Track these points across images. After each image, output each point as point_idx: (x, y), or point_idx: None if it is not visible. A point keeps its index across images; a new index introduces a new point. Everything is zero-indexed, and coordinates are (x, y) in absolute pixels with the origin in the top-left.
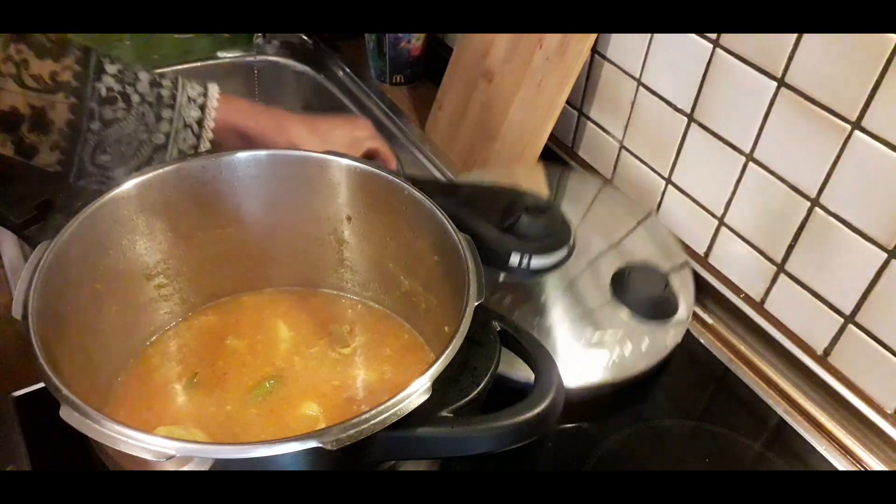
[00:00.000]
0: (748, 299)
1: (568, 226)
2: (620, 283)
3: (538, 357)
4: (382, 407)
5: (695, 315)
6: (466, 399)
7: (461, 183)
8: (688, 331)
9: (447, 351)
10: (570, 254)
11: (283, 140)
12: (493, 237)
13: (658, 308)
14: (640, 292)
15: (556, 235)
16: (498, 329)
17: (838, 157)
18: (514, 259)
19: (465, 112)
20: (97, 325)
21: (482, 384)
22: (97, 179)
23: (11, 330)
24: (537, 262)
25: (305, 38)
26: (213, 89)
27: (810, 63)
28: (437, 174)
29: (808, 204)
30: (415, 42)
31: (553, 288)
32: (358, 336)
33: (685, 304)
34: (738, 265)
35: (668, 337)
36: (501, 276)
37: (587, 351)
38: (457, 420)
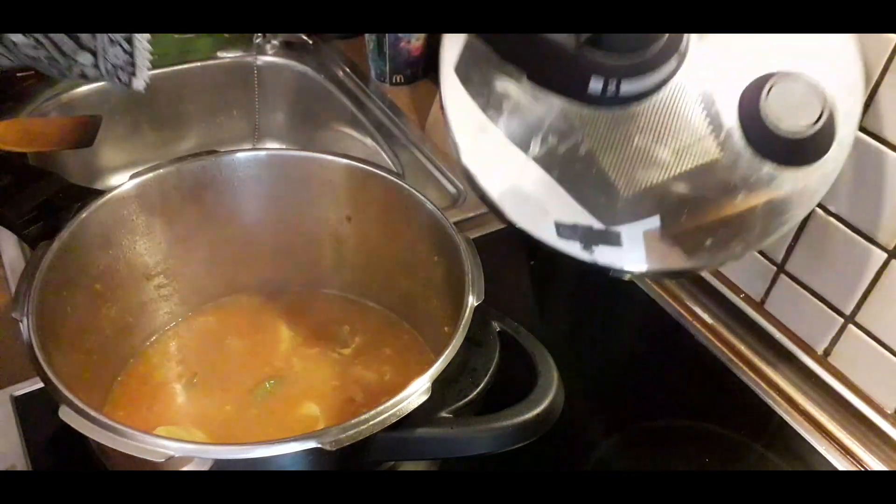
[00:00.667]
0: (748, 299)
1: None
2: (752, 112)
3: (537, 357)
4: (382, 407)
5: (695, 315)
6: (466, 400)
7: None
8: (688, 331)
9: (447, 351)
10: (677, 67)
11: None
12: (564, 55)
13: (805, 148)
14: (781, 125)
15: (655, 45)
16: (497, 329)
17: None
18: (596, 84)
19: None
20: (97, 325)
21: (482, 385)
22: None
23: (11, 330)
24: (630, 85)
25: (305, 38)
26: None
27: None
28: (438, 174)
29: None
30: (415, 42)
31: (650, 124)
32: (358, 336)
33: (846, 131)
34: (738, 265)
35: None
36: (578, 112)
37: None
38: (456, 421)
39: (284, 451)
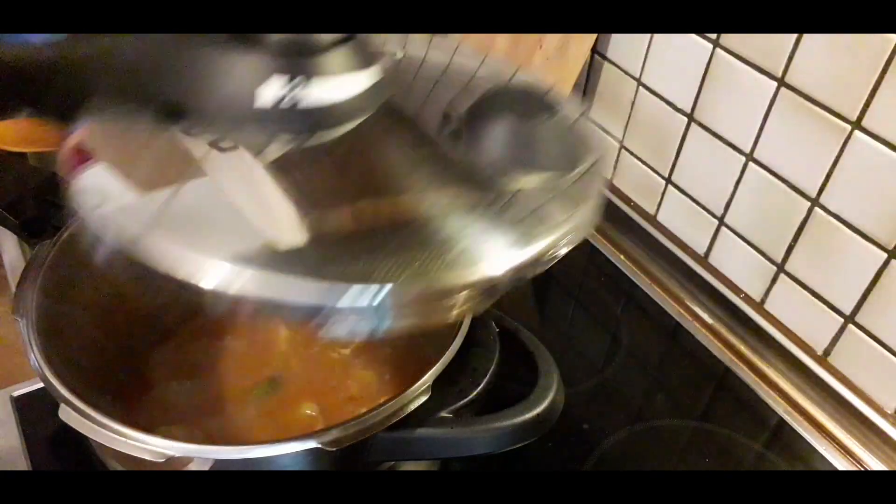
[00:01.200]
0: (748, 299)
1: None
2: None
3: (538, 357)
4: (382, 408)
5: (695, 315)
6: (466, 400)
7: None
8: (688, 331)
9: (447, 352)
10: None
11: None
12: (230, 59)
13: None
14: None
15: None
16: (497, 329)
17: (838, 157)
18: (270, 91)
19: None
20: (96, 325)
21: (482, 385)
22: None
23: (12, 329)
24: (319, 91)
25: None
26: None
27: (810, 63)
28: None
29: (808, 204)
30: None
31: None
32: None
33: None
34: (738, 265)
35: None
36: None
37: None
38: (456, 421)
39: (284, 451)
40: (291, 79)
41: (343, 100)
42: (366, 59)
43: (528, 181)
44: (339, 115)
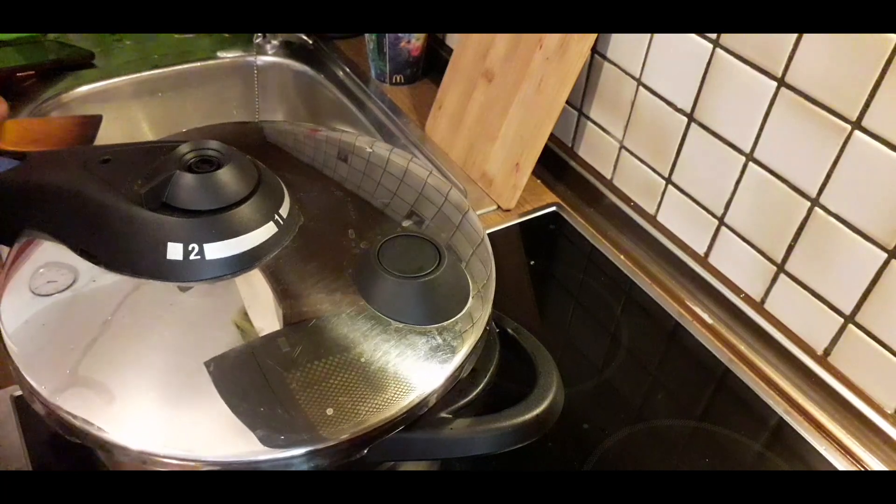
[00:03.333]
0: (748, 299)
1: (276, 185)
2: (373, 271)
3: (538, 358)
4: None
5: (695, 315)
6: (466, 400)
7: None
8: (688, 331)
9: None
10: (283, 228)
11: None
12: (137, 220)
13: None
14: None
15: (249, 202)
16: (497, 330)
17: (838, 157)
18: (175, 250)
19: (465, 112)
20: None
21: (482, 385)
22: None
23: None
24: (217, 250)
25: (305, 38)
26: None
27: (810, 63)
28: (438, 174)
29: (808, 204)
30: (415, 42)
31: (252, 291)
32: None
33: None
34: (738, 265)
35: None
36: (155, 288)
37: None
38: (456, 421)
39: (284, 454)
40: (187, 245)
41: (244, 251)
42: (263, 217)
43: (413, 329)
44: (244, 261)
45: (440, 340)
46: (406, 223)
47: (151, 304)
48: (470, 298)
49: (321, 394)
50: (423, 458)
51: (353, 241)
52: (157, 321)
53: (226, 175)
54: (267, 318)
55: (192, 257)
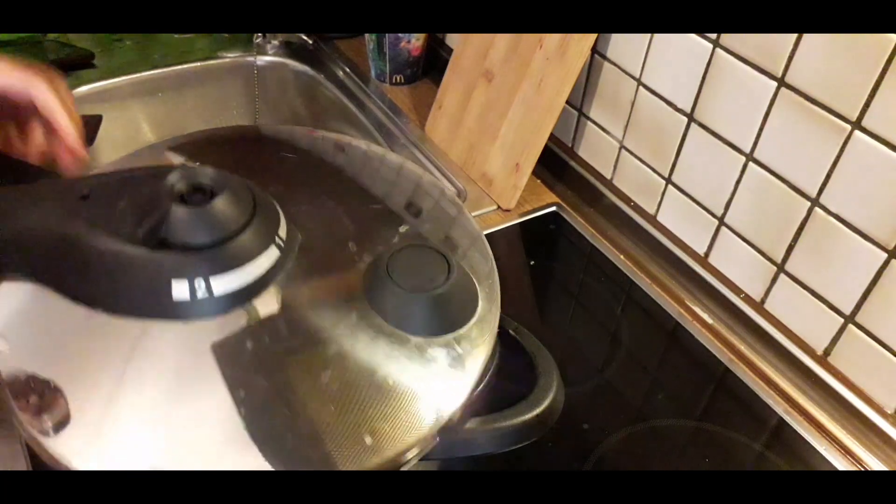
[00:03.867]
0: (748, 299)
1: (271, 206)
2: (382, 285)
3: (538, 357)
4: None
5: (695, 315)
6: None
7: (85, 177)
8: (688, 331)
9: None
10: (284, 250)
11: None
12: (135, 260)
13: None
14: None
15: (249, 229)
16: (498, 330)
17: (838, 157)
18: (180, 289)
19: (465, 112)
20: None
21: (481, 385)
22: None
23: None
24: (224, 284)
25: (305, 38)
26: None
27: (810, 63)
28: (437, 174)
29: (808, 204)
30: (415, 42)
31: (265, 320)
32: None
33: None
34: (738, 265)
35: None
36: (164, 329)
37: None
38: (456, 421)
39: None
40: (192, 282)
41: (252, 281)
42: (264, 242)
43: (428, 343)
44: (253, 290)
45: (460, 350)
46: (403, 228)
47: (164, 345)
48: (480, 302)
49: (356, 422)
50: (424, 458)
51: (356, 254)
52: (165, 360)
53: (222, 204)
54: (284, 348)
55: (199, 295)
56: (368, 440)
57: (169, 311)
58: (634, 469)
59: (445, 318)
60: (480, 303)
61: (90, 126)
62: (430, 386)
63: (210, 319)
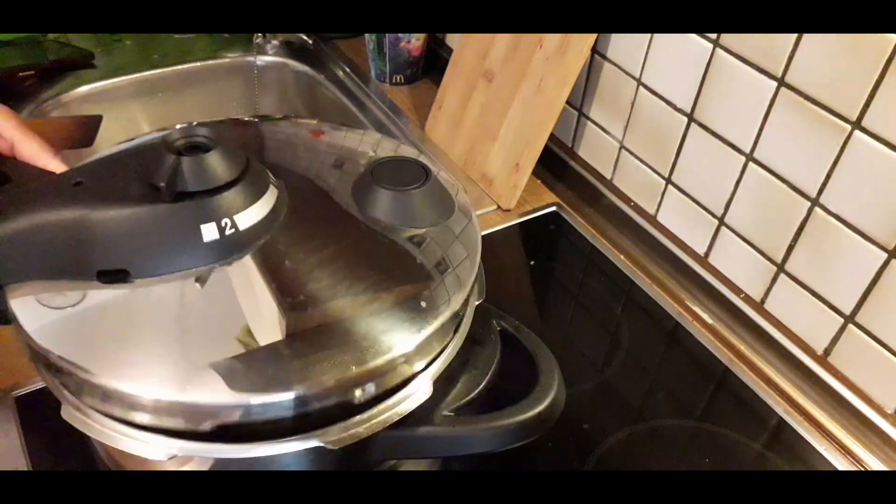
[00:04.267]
0: (748, 299)
1: (255, 161)
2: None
3: (539, 356)
4: (383, 406)
5: (695, 315)
6: (467, 398)
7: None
8: (688, 331)
9: (447, 350)
10: (280, 188)
11: None
12: (159, 216)
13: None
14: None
15: (251, 169)
16: (498, 328)
17: (838, 157)
18: (210, 231)
19: (465, 112)
20: None
21: (483, 383)
22: None
23: (11, 329)
24: (247, 218)
25: (305, 38)
26: None
27: (810, 63)
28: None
29: (808, 204)
30: (415, 42)
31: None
32: None
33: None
34: (738, 265)
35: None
36: (198, 269)
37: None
38: (458, 419)
39: (286, 449)
40: (220, 222)
41: (266, 214)
42: (263, 183)
43: (414, 233)
44: (269, 222)
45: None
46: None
47: (205, 292)
48: (455, 211)
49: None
50: (426, 457)
51: (339, 181)
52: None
53: (221, 153)
54: (306, 262)
55: (227, 232)
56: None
57: (202, 254)
58: (634, 469)
59: (424, 213)
60: (457, 211)
61: (90, 126)
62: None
63: (242, 255)
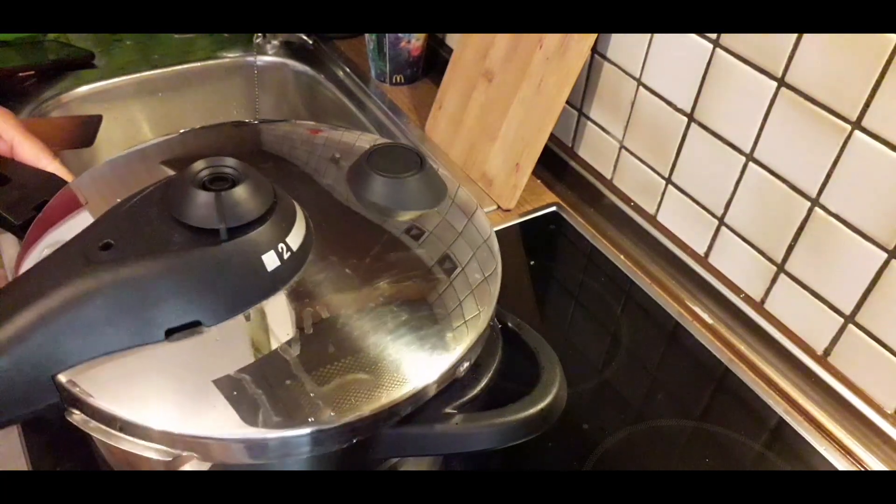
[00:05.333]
0: (748, 299)
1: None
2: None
3: (540, 352)
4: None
5: (695, 315)
6: (470, 395)
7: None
8: (688, 331)
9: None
10: (307, 215)
11: None
12: (219, 257)
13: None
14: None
15: (281, 201)
16: (500, 325)
17: (838, 157)
18: (271, 259)
19: (465, 112)
20: None
21: (485, 380)
22: None
23: None
24: (296, 238)
25: (305, 38)
26: None
27: (810, 63)
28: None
29: (808, 204)
30: (415, 42)
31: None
32: None
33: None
34: (738, 265)
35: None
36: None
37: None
38: (461, 416)
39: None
40: (277, 248)
41: (306, 233)
42: (293, 208)
43: (409, 216)
44: (308, 244)
45: (448, 336)
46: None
47: (278, 325)
48: (447, 197)
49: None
50: (428, 454)
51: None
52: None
53: (251, 182)
54: (344, 272)
55: (285, 255)
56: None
57: (268, 284)
58: (634, 469)
59: (419, 198)
60: (448, 198)
61: (90, 126)
62: (405, 361)
63: (300, 276)
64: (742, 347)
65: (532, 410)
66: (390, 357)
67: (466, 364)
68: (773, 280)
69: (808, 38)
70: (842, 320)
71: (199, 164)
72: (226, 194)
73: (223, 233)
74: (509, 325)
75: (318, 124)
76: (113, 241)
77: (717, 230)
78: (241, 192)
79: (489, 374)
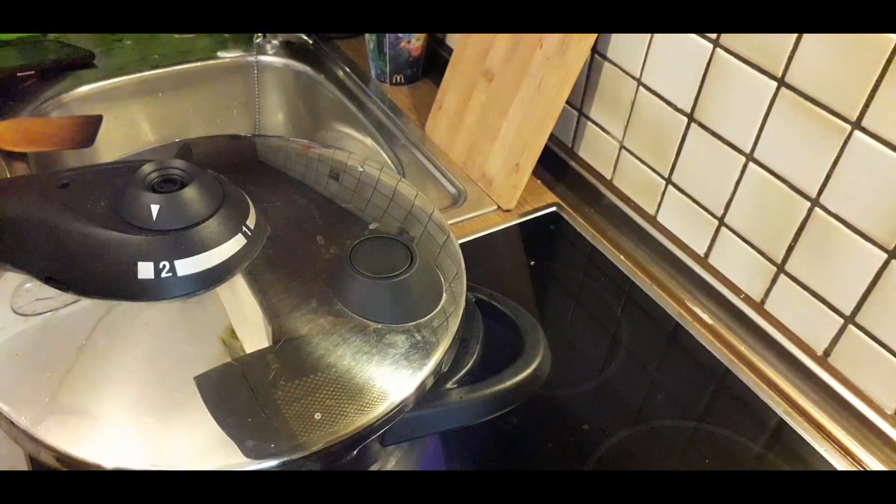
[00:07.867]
0: (748, 299)
1: (241, 198)
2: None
3: (518, 318)
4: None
5: (695, 315)
6: (465, 370)
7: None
8: (688, 331)
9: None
10: (251, 239)
11: None
12: (105, 242)
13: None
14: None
15: (215, 216)
16: (474, 299)
17: (838, 157)
18: (146, 269)
19: (465, 112)
20: None
21: (476, 352)
22: None
23: None
24: (188, 266)
25: (305, 38)
26: None
27: (810, 63)
28: (437, 174)
29: (808, 204)
30: (415, 42)
31: (227, 304)
32: None
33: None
34: (738, 265)
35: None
36: (128, 308)
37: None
38: (463, 390)
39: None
40: (157, 264)
41: (216, 264)
42: (230, 230)
43: (391, 329)
44: (216, 274)
45: (419, 338)
46: (373, 225)
47: (126, 324)
48: (444, 294)
49: (307, 400)
50: (443, 429)
51: (323, 247)
52: (134, 341)
53: (190, 193)
54: (245, 329)
55: (163, 275)
56: (318, 416)
57: (135, 290)
58: (634, 469)
59: (406, 306)
60: (444, 295)
61: (90, 126)
62: (384, 370)
63: (174, 300)
64: (742, 348)
65: (527, 372)
66: (372, 368)
67: (446, 362)
68: (773, 280)
69: (808, 38)
70: (842, 321)
71: (152, 165)
72: (143, 195)
73: (111, 221)
74: (482, 297)
75: (310, 142)
76: (70, 185)
77: (717, 230)
78: (159, 198)
79: (478, 348)
